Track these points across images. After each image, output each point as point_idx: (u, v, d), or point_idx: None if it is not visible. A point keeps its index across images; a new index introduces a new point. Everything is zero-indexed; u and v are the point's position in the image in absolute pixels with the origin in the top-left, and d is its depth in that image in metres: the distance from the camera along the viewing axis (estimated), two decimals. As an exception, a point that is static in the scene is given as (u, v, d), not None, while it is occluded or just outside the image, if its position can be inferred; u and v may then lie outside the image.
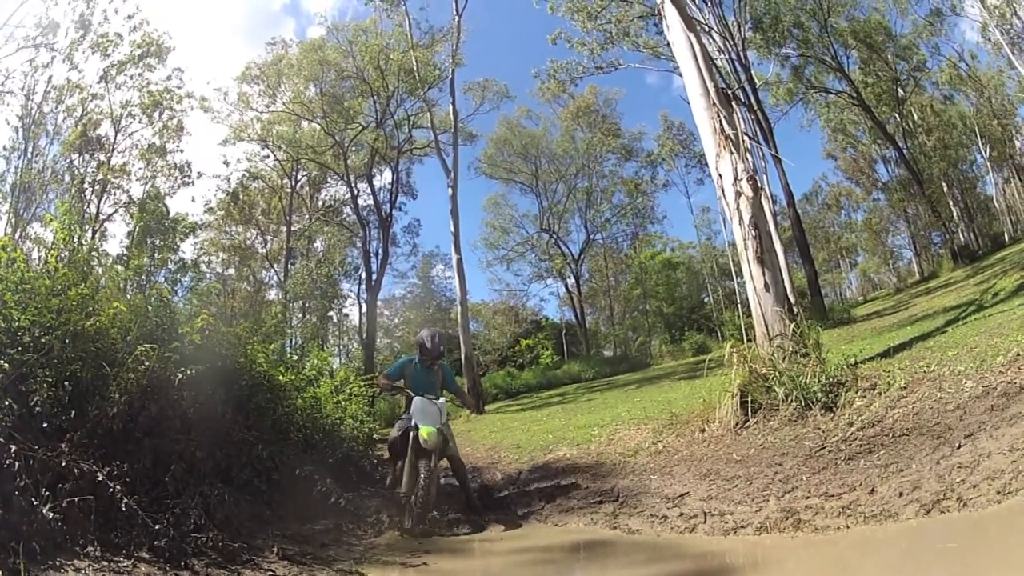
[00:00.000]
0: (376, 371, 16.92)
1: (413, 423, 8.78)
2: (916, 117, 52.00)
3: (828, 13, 42.53)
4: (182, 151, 39.12)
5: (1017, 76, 46.42)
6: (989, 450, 5.65)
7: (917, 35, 46.50)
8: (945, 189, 50.21)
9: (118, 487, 5.23)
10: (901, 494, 5.52)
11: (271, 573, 5.44)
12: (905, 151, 48.62)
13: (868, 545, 5.10)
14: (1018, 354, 8.27)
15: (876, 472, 6.31)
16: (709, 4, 36.34)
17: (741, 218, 11.72)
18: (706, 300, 68.58)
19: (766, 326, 11.16)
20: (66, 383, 6.10)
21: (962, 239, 46.72)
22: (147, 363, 6.50)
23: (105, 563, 4.65)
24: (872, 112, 47.57)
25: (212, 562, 5.26)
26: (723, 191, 12.18)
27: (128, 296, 8.11)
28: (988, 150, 53.79)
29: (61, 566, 4.39)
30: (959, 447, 6.07)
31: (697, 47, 13.37)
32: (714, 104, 12.67)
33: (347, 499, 8.14)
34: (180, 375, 6.80)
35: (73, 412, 5.91)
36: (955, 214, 50.51)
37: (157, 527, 5.18)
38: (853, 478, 6.39)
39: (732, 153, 12.05)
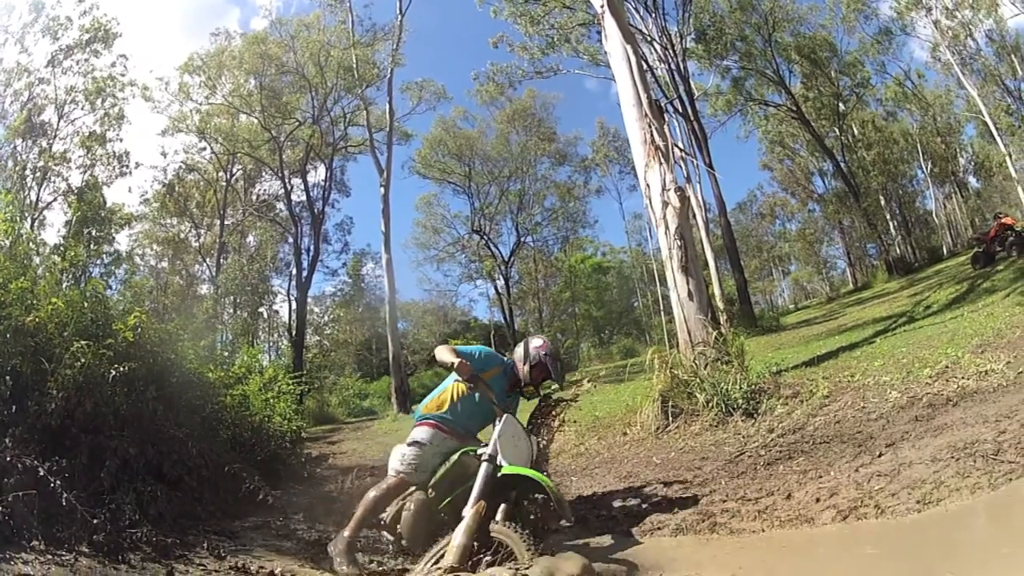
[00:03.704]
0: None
1: (489, 453, 5.64)
2: (856, 132, 52.46)
3: (773, 28, 42.87)
4: (121, 140, 38.14)
5: (965, 95, 47.27)
6: (911, 460, 5.78)
7: (864, 52, 46.97)
8: (883, 202, 50.66)
9: (58, 482, 5.31)
10: (818, 500, 5.62)
11: (202, 568, 5.51)
12: (843, 164, 48.94)
13: (781, 548, 5.13)
14: (947, 366, 8.58)
15: (794, 478, 6.46)
16: (653, 15, 36.57)
17: (667, 228, 12.06)
18: (636, 305, 69.24)
19: (689, 333, 11.47)
20: (7, 378, 6.18)
21: (898, 251, 47.22)
22: (83, 359, 6.59)
23: (49, 556, 4.74)
24: (811, 126, 48.00)
25: (147, 556, 5.36)
26: (651, 200, 12.50)
27: (64, 288, 8.07)
28: (930, 166, 54.45)
29: (9, 559, 4.50)
30: (880, 456, 6.22)
31: (633, 59, 13.62)
32: (646, 115, 12.96)
33: (275, 496, 8.16)
34: (114, 372, 6.85)
35: (14, 407, 6.00)
36: (892, 227, 51.01)
37: (95, 522, 5.27)
38: (771, 483, 6.52)
39: (661, 164, 12.35)
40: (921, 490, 5.12)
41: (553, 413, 7.08)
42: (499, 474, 5.46)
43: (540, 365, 6.44)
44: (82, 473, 5.96)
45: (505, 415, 5.85)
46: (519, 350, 6.62)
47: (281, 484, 9.82)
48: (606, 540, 6.17)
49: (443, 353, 6.22)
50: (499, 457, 5.54)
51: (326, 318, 59.33)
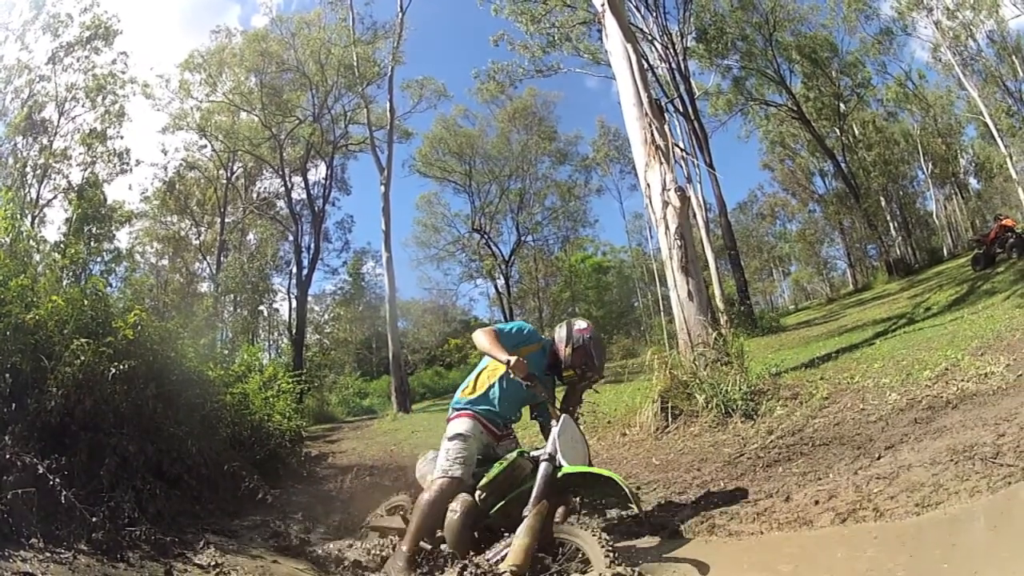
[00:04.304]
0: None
1: (548, 452, 5.40)
2: (857, 132, 52.31)
3: (774, 27, 42.85)
4: (122, 137, 38.44)
5: (966, 96, 47.23)
6: (910, 462, 5.74)
7: (864, 52, 46.92)
8: (883, 203, 50.55)
9: (58, 480, 5.30)
10: (817, 502, 5.58)
11: (200, 567, 5.52)
12: (843, 165, 49.02)
13: (779, 550, 5.04)
14: (946, 369, 8.54)
15: (793, 480, 6.42)
16: (654, 14, 36.69)
17: (667, 228, 12.06)
18: (636, 305, 69.00)
19: (689, 334, 11.47)
20: (7, 375, 6.20)
21: (898, 252, 47.15)
22: (83, 357, 6.60)
23: (48, 554, 4.73)
24: (812, 126, 48.02)
25: (146, 555, 5.35)
26: (651, 200, 12.51)
27: (64, 286, 8.09)
28: (930, 167, 54.31)
29: (8, 556, 4.48)
30: (879, 458, 6.20)
31: (634, 58, 13.65)
32: (647, 114, 12.97)
33: (274, 495, 8.16)
34: (114, 369, 6.86)
35: (14, 404, 6.02)
36: (892, 228, 50.93)
37: (94, 520, 5.25)
38: (770, 485, 6.48)
39: (662, 164, 12.36)
40: (920, 493, 5.07)
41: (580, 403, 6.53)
42: (559, 474, 5.23)
43: (583, 349, 6.06)
44: (81, 471, 5.97)
45: (563, 415, 5.57)
46: (561, 331, 6.23)
47: (280, 483, 9.84)
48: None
49: (487, 344, 5.83)
50: (559, 457, 5.30)
51: (326, 316, 59.35)
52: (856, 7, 44.92)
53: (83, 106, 36.65)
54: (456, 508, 5.39)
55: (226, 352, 12.83)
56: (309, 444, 14.12)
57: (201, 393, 9.28)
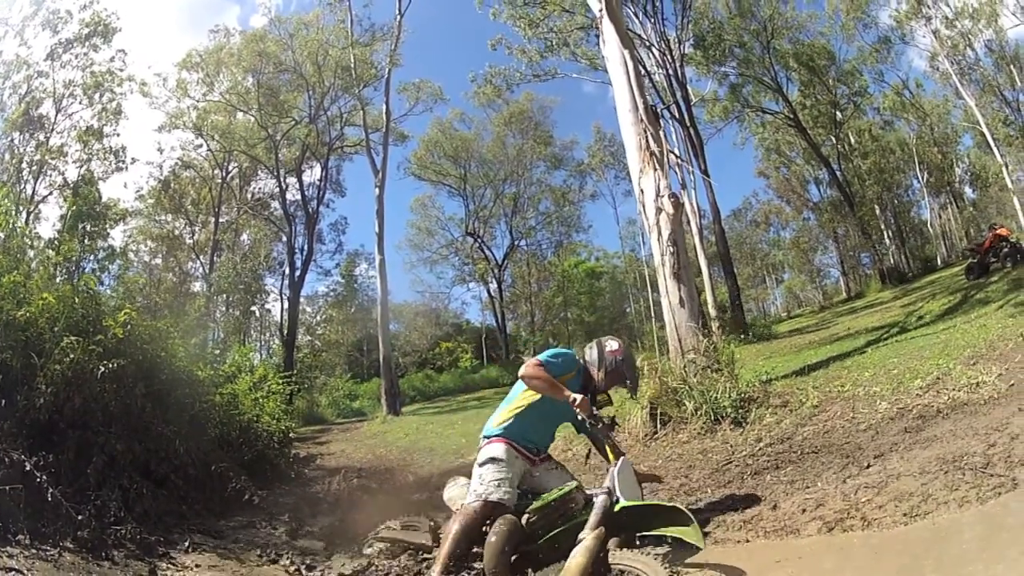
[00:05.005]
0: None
1: (606, 486, 5.29)
2: (853, 141, 52.52)
3: (772, 35, 42.94)
4: (118, 135, 37.87)
5: (963, 105, 47.30)
6: (899, 472, 5.70)
7: (862, 61, 47.01)
8: (878, 212, 50.67)
9: (45, 477, 5.33)
10: (804, 511, 5.56)
11: (185, 566, 5.53)
12: (839, 173, 49.12)
13: (765, 558, 4.99)
14: (938, 378, 8.51)
15: (781, 488, 6.42)
16: (652, 20, 36.75)
17: (660, 234, 12.05)
18: (628, 310, 68.71)
19: (679, 340, 11.45)
20: (-3, 371, 6.12)
21: (892, 261, 47.27)
22: (72, 355, 6.59)
23: (35, 551, 4.76)
24: (807, 134, 48.08)
25: (131, 554, 5.37)
26: (644, 206, 12.50)
27: (58, 283, 8.09)
28: (926, 176, 54.42)
29: (-6, 552, 4.46)
30: (868, 467, 6.17)
31: (630, 63, 13.65)
32: (642, 120, 12.98)
33: (261, 497, 8.16)
34: (103, 368, 6.84)
35: (3, 401, 6.01)
36: (886, 236, 51.05)
37: (80, 518, 5.29)
38: (758, 493, 6.49)
39: (656, 170, 12.35)
40: (909, 503, 5.03)
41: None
42: (617, 507, 5.07)
43: (616, 372, 5.94)
44: (69, 469, 5.98)
45: (622, 457, 5.43)
46: (592, 353, 6.05)
47: (268, 484, 9.84)
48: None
49: (545, 386, 5.59)
50: (617, 491, 5.14)
51: (318, 318, 59.17)
52: (855, 16, 45.06)
53: (80, 103, 36.59)
54: (497, 529, 5.13)
55: (217, 352, 12.80)
56: (298, 445, 14.13)
57: (190, 393, 9.29)
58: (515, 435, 5.71)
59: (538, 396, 5.69)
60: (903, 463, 5.94)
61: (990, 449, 5.55)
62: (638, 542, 5.07)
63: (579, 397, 5.40)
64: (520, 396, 5.90)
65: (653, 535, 4.99)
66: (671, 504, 5.01)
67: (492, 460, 5.55)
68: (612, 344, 6.05)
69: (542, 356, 5.90)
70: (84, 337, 6.91)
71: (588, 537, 4.70)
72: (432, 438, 16.91)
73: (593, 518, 4.91)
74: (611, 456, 5.54)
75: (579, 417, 5.60)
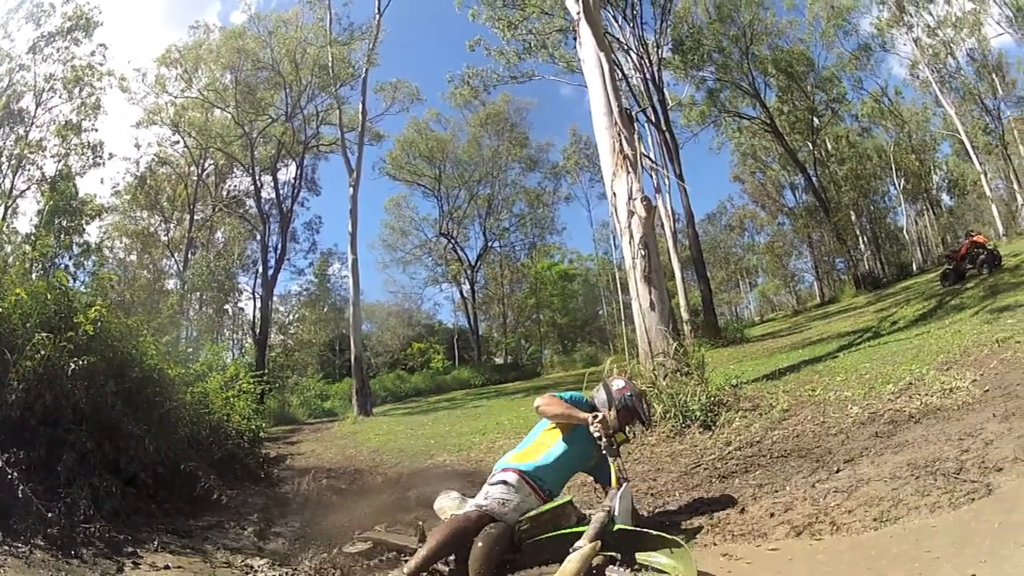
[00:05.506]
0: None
1: (607, 504, 5.31)
2: (830, 147, 53.13)
3: (751, 40, 43.42)
4: (96, 130, 38.07)
5: (943, 113, 47.71)
6: (869, 476, 5.73)
7: (841, 68, 47.52)
8: (853, 217, 51.16)
9: (16, 475, 5.32)
10: (772, 515, 5.59)
11: (152, 565, 5.48)
12: (815, 179, 49.81)
13: (732, 562, 4.97)
14: (910, 383, 8.52)
15: (749, 492, 6.41)
16: (631, 24, 36.97)
17: (632, 237, 12.07)
18: (601, 313, 69.77)
19: (649, 343, 11.47)
20: (-32, 367, 6.04)
21: (867, 266, 47.70)
22: (44, 351, 6.53)
23: (6, 548, 4.78)
24: (784, 139, 48.76)
25: (99, 552, 5.33)
26: (616, 209, 12.54)
27: (33, 279, 8.01)
28: (903, 183, 54.94)
29: (-35, 549, 4.46)
30: (838, 472, 6.19)
31: (606, 66, 13.70)
32: (616, 123, 13.03)
33: (230, 496, 8.11)
34: (74, 365, 6.77)
35: (-25, 398, 5.89)
36: (861, 242, 51.51)
37: (50, 515, 5.27)
38: (726, 497, 6.49)
39: (629, 173, 12.39)
40: (879, 507, 5.07)
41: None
42: (614, 527, 5.02)
43: (626, 410, 6.04)
44: (39, 466, 5.95)
45: (625, 484, 5.48)
46: (601, 394, 6.17)
47: (237, 484, 9.73)
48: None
49: (561, 410, 5.89)
50: (615, 511, 5.12)
51: (291, 317, 59.16)
52: (835, 23, 45.48)
53: (60, 97, 36.56)
54: (487, 533, 5.10)
55: (190, 351, 12.68)
56: (268, 445, 14.05)
57: (161, 391, 9.11)
58: (532, 472, 5.71)
59: (561, 438, 5.86)
60: (874, 468, 5.96)
61: (963, 455, 5.57)
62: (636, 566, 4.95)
63: (598, 414, 5.62)
64: (543, 434, 6.05)
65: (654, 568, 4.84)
66: (670, 537, 4.83)
67: (504, 483, 5.58)
68: (618, 383, 6.20)
69: (558, 395, 6.12)
70: (55, 334, 6.85)
71: (586, 546, 4.73)
72: (402, 439, 16.82)
73: (591, 530, 4.92)
74: (615, 482, 5.53)
75: (595, 436, 5.63)
